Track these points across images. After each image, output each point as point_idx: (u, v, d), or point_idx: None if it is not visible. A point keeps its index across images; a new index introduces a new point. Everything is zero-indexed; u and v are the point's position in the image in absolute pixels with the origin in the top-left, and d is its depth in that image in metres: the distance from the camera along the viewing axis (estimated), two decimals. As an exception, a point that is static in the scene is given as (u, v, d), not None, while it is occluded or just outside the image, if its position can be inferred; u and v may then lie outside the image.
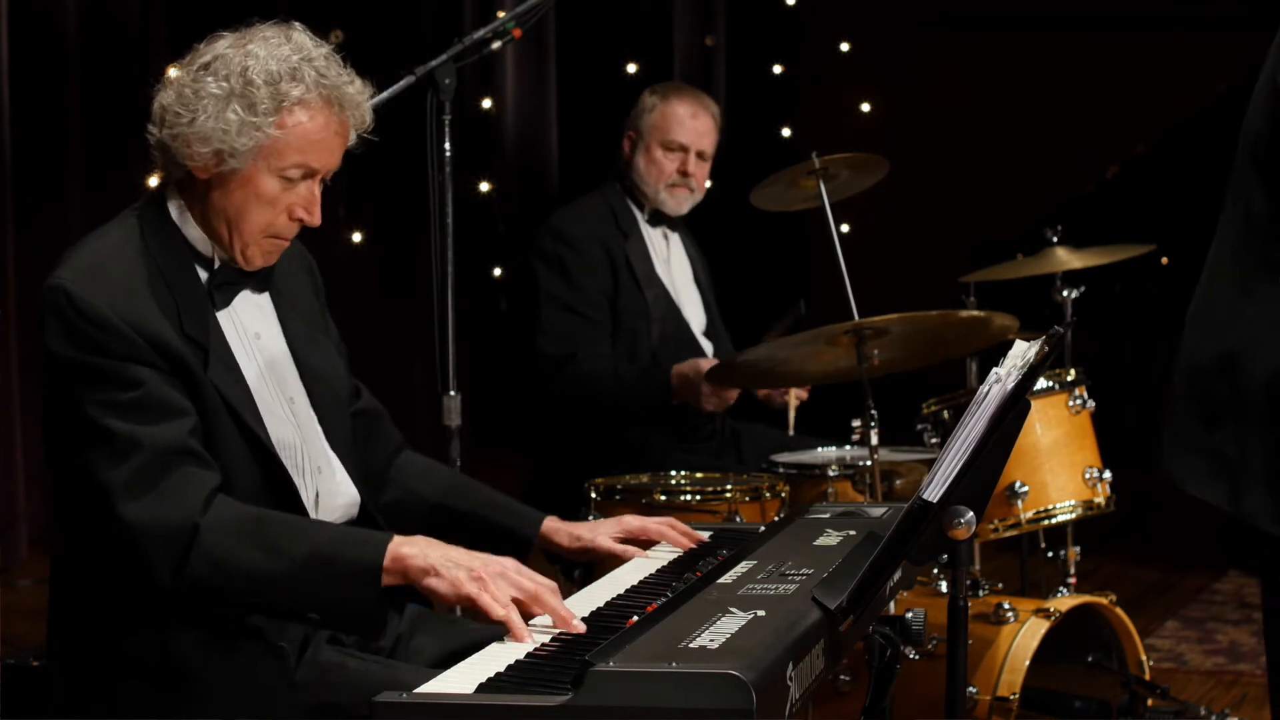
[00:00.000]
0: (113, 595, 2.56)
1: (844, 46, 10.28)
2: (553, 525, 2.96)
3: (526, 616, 2.39)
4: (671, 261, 4.78)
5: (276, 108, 2.58)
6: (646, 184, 4.67)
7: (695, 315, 4.79)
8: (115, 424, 2.48)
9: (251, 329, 2.71)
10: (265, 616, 2.55)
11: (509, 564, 2.45)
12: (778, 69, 9.68)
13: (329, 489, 2.74)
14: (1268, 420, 2.59)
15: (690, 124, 4.67)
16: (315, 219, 2.66)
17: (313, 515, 2.71)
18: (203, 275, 2.66)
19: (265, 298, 2.75)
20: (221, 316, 2.66)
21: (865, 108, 10.37)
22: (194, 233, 2.66)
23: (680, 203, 4.71)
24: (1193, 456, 2.70)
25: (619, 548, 2.91)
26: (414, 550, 2.45)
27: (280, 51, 2.61)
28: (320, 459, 2.74)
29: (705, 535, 3.00)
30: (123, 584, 2.53)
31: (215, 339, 2.62)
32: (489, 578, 2.41)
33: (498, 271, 8.01)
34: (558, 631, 2.36)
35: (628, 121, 4.74)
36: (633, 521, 2.96)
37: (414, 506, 2.96)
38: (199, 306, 2.62)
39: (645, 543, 2.95)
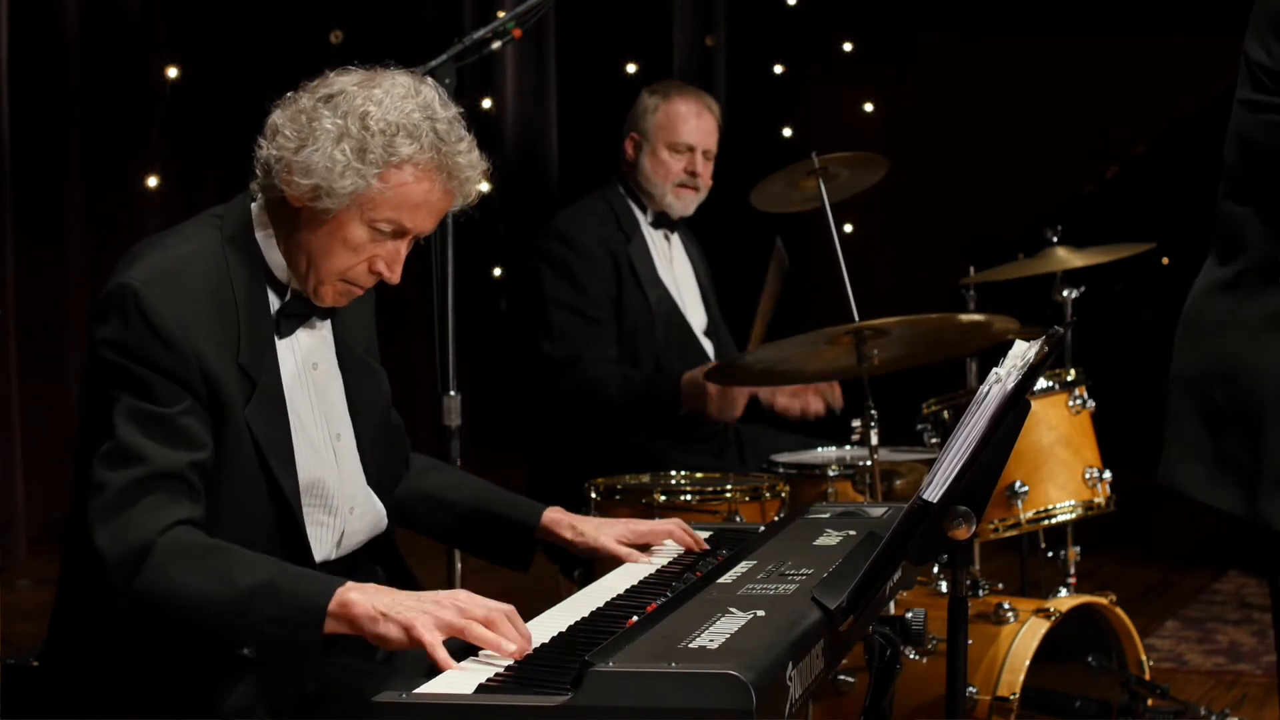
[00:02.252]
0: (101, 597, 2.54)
1: (845, 46, 10.28)
2: (554, 517, 2.92)
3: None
4: (674, 262, 4.78)
5: (385, 160, 2.52)
6: (654, 186, 4.66)
7: (697, 316, 4.79)
8: (129, 431, 2.45)
9: (310, 359, 2.68)
10: (204, 644, 2.48)
11: (461, 596, 2.33)
12: (778, 69, 9.69)
13: (355, 529, 2.72)
14: (1278, 422, 2.58)
15: (696, 124, 4.66)
16: (395, 277, 2.62)
17: (332, 556, 2.69)
18: (274, 301, 2.62)
19: (328, 326, 2.72)
20: (282, 345, 2.63)
21: (866, 108, 10.37)
22: (275, 257, 2.62)
23: (687, 204, 4.70)
24: (1198, 463, 2.69)
25: (622, 550, 2.88)
26: (360, 597, 2.33)
27: (405, 104, 2.54)
28: (356, 498, 2.72)
29: (705, 535, 2.99)
30: None
31: (269, 373, 2.58)
32: (446, 614, 2.28)
33: (498, 271, 8.01)
34: (557, 632, 2.36)
35: (628, 123, 4.72)
36: (640, 526, 2.93)
37: (414, 501, 2.94)
38: (262, 334, 2.59)
39: (646, 547, 2.95)
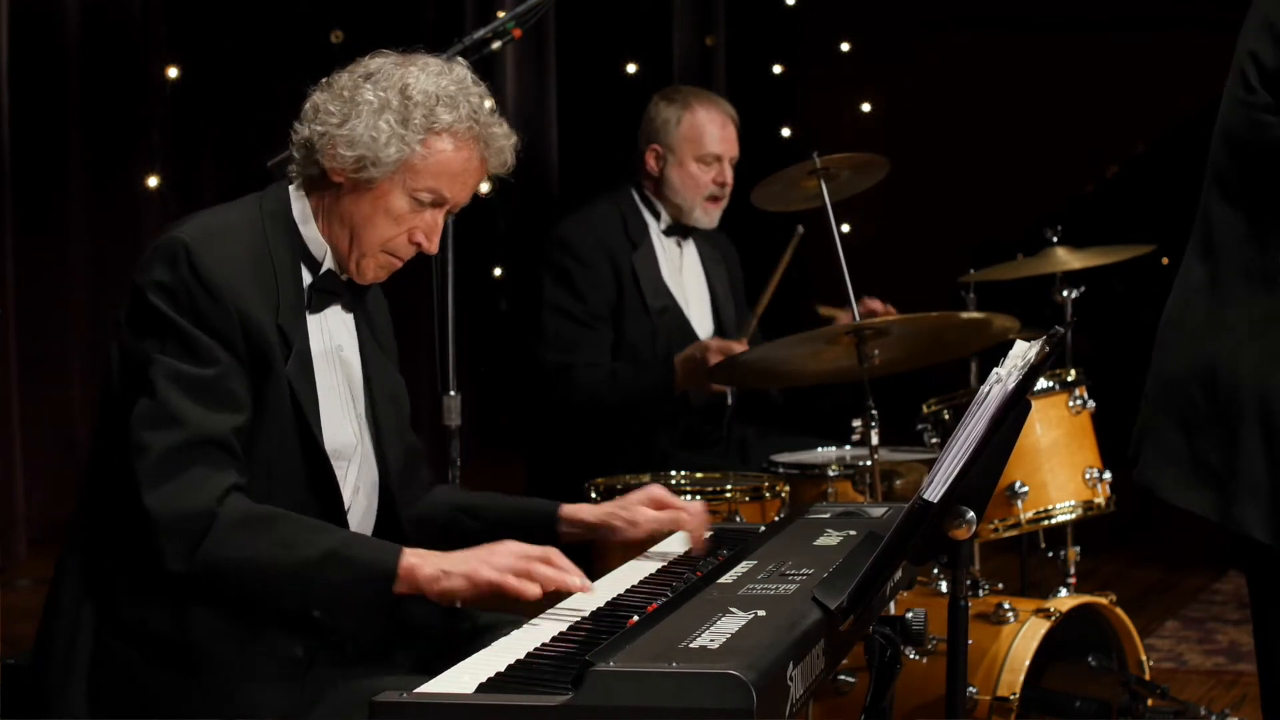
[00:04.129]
0: (133, 559, 2.54)
1: (844, 46, 10.28)
2: (573, 507, 2.95)
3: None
4: (684, 270, 4.74)
5: (427, 128, 2.63)
6: (683, 199, 4.62)
7: (703, 324, 4.74)
8: (170, 393, 2.50)
9: (335, 340, 2.73)
10: (270, 610, 2.54)
11: (512, 545, 2.49)
12: (778, 69, 9.68)
13: (353, 514, 2.75)
14: (1255, 428, 2.57)
15: (721, 134, 4.63)
16: (433, 247, 2.71)
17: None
18: (307, 277, 2.69)
19: (351, 317, 2.77)
20: (312, 320, 2.68)
21: (865, 108, 10.37)
22: (311, 233, 2.69)
23: (713, 217, 4.67)
24: (1174, 467, 2.68)
25: (600, 511, 2.91)
26: (419, 560, 2.48)
27: (440, 79, 2.67)
28: (361, 482, 2.76)
29: (704, 535, 2.99)
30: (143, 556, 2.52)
31: (301, 339, 2.65)
32: (503, 559, 2.45)
33: (498, 271, 8.01)
34: (558, 631, 2.36)
35: (645, 134, 4.65)
36: (658, 491, 2.95)
37: (444, 513, 2.94)
38: (296, 304, 2.65)
39: (647, 542, 2.95)
